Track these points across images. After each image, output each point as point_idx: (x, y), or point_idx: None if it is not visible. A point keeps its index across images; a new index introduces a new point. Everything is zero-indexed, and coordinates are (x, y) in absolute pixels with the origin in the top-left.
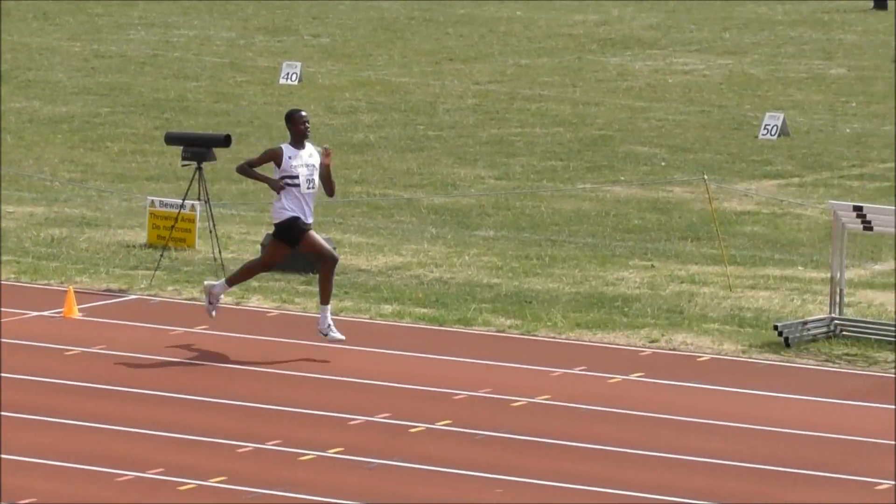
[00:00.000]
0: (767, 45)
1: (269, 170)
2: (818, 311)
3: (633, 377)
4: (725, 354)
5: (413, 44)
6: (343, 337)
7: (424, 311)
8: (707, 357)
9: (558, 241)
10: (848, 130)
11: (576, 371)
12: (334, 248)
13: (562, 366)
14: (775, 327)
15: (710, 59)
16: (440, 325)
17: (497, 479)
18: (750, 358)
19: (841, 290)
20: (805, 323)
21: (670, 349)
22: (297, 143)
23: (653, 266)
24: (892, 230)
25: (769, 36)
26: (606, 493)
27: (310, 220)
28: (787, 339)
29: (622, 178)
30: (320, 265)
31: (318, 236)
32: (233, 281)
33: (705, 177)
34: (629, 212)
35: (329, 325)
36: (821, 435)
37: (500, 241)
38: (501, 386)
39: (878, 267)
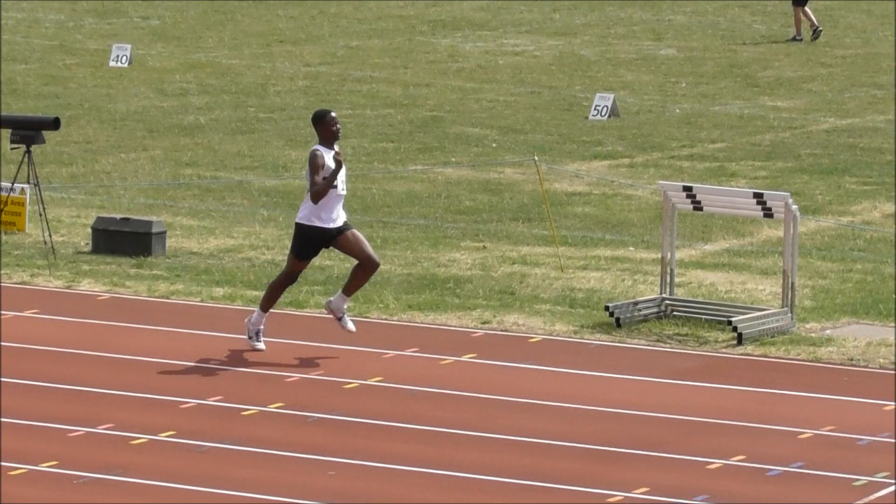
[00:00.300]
0: (597, 25)
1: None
2: (649, 291)
3: (465, 358)
4: (557, 335)
5: (243, 26)
6: (354, 329)
7: (256, 293)
8: (539, 338)
9: (390, 223)
10: (678, 111)
11: (408, 353)
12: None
13: (394, 347)
14: (606, 308)
15: (541, 39)
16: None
17: (329, 462)
18: (581, 338)
19: (671, 271)
20: (636, 303)
21: (502, 330)
22: (328, 145)
23: (484, 247)
24: (722, 210)
25: (599, 17)
26: (439, 475)
27: (340, 224)
28: (618, 319)
29: (453, 160)
30: (361, 266)
31: (362, 237)
32: (265, 306)
33: (536, 158)
34: (460, 193)
35: (345, 310)
36: (652, 414)
37: None
38: (333, 368)
39: (708, 247)
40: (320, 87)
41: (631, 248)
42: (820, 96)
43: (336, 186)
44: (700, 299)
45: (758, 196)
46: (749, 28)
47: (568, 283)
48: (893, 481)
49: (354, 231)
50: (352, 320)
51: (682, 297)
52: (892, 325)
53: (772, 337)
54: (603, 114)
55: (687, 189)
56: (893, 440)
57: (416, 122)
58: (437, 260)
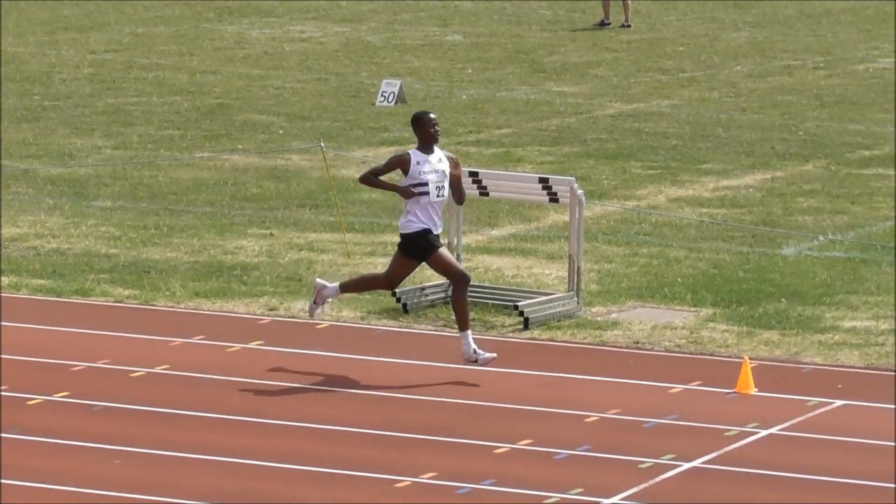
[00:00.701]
0: (384, 12)
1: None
2: (436, 276)
3: (252, 345)
4: (344, 321)
5: (28, 13)
6: (494, 354)
7: (42, 282)
8: (326, 324)
9: (176, 211)
10: (464, 97)
11: (195, 340)
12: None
13: (181, 335)
14: (393, 293)
15: (327, 26)
16: (58, 297)
17: (116, 450)
18: (369, 324)
19: (458, 256)
20: (423, 289)
21: (289, 317)
22: (426, 147)
23: (271, 234)
24: (508, 195)
25: (385, 3)
26: (227, 462)
27: (439, 231)
28: (405, 305)
29: (240, 147)
30: (452, 287)
31: (448, 254)
32: (346, 288)
33: (322, 144)
34: (247, 180)
35: (475, 349)
36: (439, 399)
37: (117, 212)
38: (120, 356)
39: (494, 232)
40: (106, 75)
41: None
42: (606, 81)
43: (429, 193)
44: (487, 284)
45: (543, 181)
46: (535, 13)
47: (355, 270)
48: (679, 463)
49: (444, 249)
50: (484, 351)
51: None
52: (678, 308)
53: (558, 321)
54: (390, 100)
55: (473, 174)
56: (679, 422)
57: (203, 110)
58: (223, 247)
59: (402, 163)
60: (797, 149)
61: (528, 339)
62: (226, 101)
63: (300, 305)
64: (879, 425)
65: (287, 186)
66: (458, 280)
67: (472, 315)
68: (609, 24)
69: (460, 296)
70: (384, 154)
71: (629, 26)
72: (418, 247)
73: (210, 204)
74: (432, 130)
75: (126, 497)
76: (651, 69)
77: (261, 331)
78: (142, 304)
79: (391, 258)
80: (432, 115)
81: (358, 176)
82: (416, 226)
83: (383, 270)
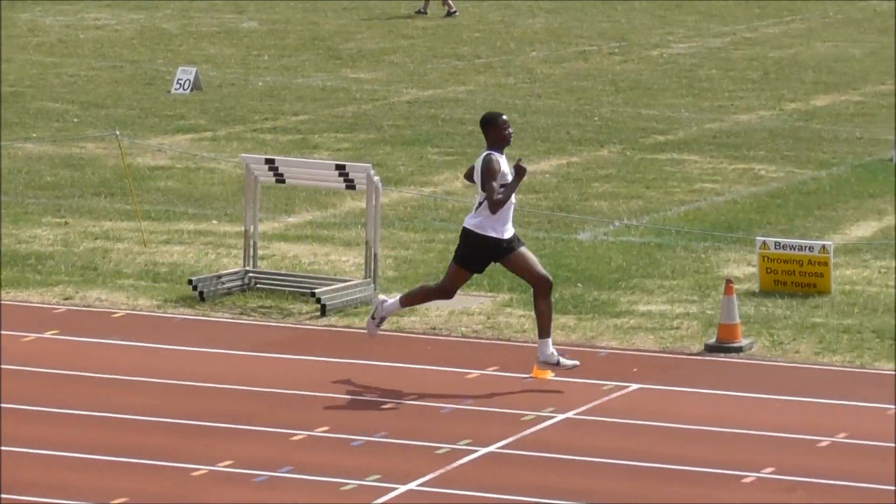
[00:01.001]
0: None
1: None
2: (232, 264)
3: (47, 335)
4: (140, 310)
5: None
6: (577, 362)
7: None
8: (122, 313)
9: None
10: (260, 84)
11: None
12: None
13: None
14: (190, 281)
15: (122, 13)
16: None
17: None
18: (165, 313)
19: (254, 243)
20: (219, 276)
21: (85, 306)
22: (499, 150)
23: (66, 223)
24: (305, 182)
25: None
26: (21, 452)
27: (511, 234)
28: (201, 293)
29: (34, 135)
30: (534, 292)
31: (531, 256)
32: (407, 300)
33: (118, 132)
34: (42, 169)
35: (553, 352)
36: (237, 387)
37: None
38: None
39: (291, 219)
40: None
41: (214, 222)
42: (402, 68)
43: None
44: (284, 272)
45: (340, 168)
46: (331, 0)
47: (151, 258)
48: (476, 448)
49: (524, 249)
50: (567, 359)
51: (265, 270)
52: (474, 293)
53: (355, 308)
54: (185, 87)
55: (269, 161)
56: (476, 408)
57: None
58: (17, 236)
59: (498, 165)
60: (592, 134)
61: (326, 325)
62: (19, 89)
63: (96, 294)
64: (674, 408)
65: (82, 175)
66: (540, 284)
67: (269, 302)
68: (425, 13)
69: (542, 300)
70: (179, 142)
71: (455, 13)
72: (481, 251)
73: (4, 193)
74: (507, 132)
75: None
76: (447, 55)
77: (56, 320)
78: None
79: (449, 267)
80: (505, 117)
81: (493, 210)
82: (487, 231)
83: (440, 284)
